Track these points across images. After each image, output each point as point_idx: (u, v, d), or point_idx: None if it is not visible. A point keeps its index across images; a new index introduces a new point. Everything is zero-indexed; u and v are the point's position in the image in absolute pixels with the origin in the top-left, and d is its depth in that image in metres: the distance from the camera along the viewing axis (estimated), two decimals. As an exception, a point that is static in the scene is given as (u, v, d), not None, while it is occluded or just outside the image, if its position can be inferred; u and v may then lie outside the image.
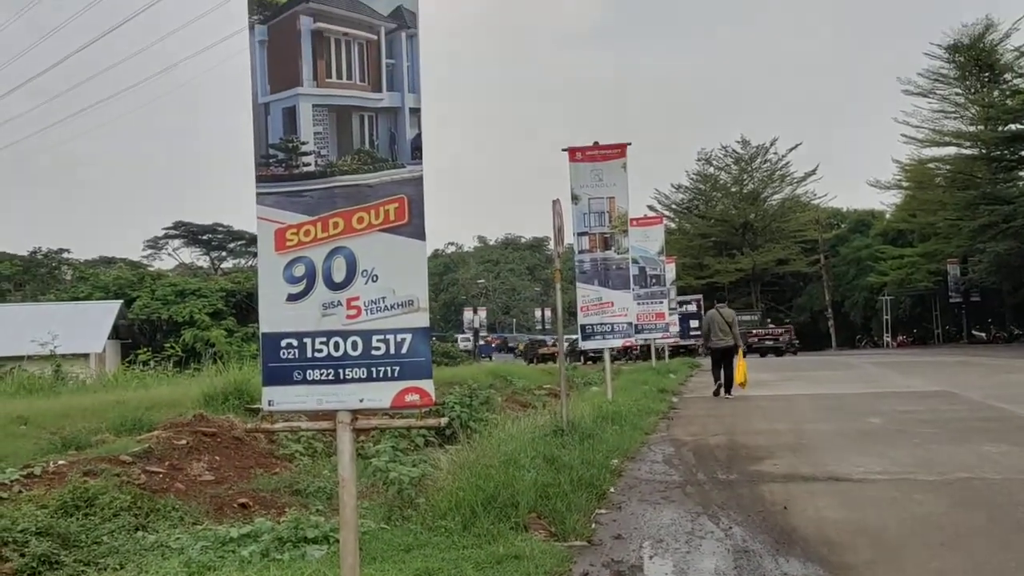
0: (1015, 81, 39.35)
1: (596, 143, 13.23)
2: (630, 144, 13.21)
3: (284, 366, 4.08)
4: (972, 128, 40.90)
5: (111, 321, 39.69)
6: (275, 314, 4.12)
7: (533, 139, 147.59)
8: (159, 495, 6.63)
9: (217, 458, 7.86)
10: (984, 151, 39.75)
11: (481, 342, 59.77)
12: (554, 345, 47.32)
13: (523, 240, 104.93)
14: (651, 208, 56.67)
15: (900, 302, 50.97)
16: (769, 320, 49.10)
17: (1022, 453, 7.88)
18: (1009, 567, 4.55)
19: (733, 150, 57.56)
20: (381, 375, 4.03)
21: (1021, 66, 38.80)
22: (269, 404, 4.11)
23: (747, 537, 5.47)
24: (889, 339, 49.81)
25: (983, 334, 40.47)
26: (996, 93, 40.72)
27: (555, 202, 9.76)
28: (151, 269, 58.02)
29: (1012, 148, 38.38)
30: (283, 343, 4.09)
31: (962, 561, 4.73)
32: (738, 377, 15.47)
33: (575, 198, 13.01)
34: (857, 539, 5.28)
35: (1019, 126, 37.32)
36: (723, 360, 15.69)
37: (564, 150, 13.19)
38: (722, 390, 15.55)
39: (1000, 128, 38.58)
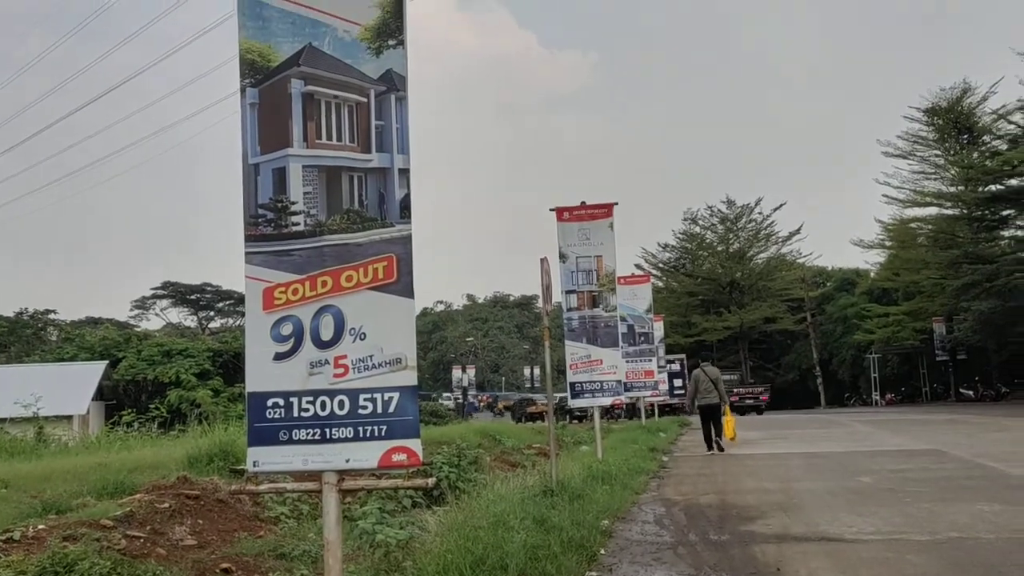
0: (994, 143, 40.17)
1: (583, 203, 13.39)
2: (617, 204, 13.38)
3: (270, 426, 4.05)
4: (952, 189, 41.58)
5: (95, 382, 39.29)
6: (262, 373, 4.11)
7: (522, 198, 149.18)
8: (140, 560, 6.47)
9: (200, 521, 7.71)
10: (965, 211, 40.34)
11: (470, 399, 59.11)
12: (544, 403, 47.15)
13: (512, 298, 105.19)
14: (638, 267, 57.08)
15: (887, 360, 51.09)
16: (751, 379, 49.12)
17: (1014, 512, 7.83)
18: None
19: (718, 209, 58.31)
20: (368, 434, 4.01)
21: (999, 128, 39.66)
22: (254, 465, 4.07)
23: (740, 599, 5.37)
24: (877, 397, 49.80)
25: (971, 392, 40.47)
26: (975, 155, 41.53)
27: (543, 260, 9.83)
28: (138, 329, 57.73)
29: (992, 208, 38.97)
30: (269, 403, 4.06)
31: (957, 622, 4.66)
32: (727, 432, 16.00)
33: (563, 257, 13.10)
34: (851, 601, 5.20)
35: (999, 187, 37.96)
36: (711, 417, 16.09)
37: (552, 210, 13.33)
38: (715, 446, 15.72)
39: (980, 189, 39.23)
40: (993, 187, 38.56)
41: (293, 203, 4.20)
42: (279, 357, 4.10)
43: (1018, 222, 37.18)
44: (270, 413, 4.06)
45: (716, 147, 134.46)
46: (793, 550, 6.78)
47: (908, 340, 46.10)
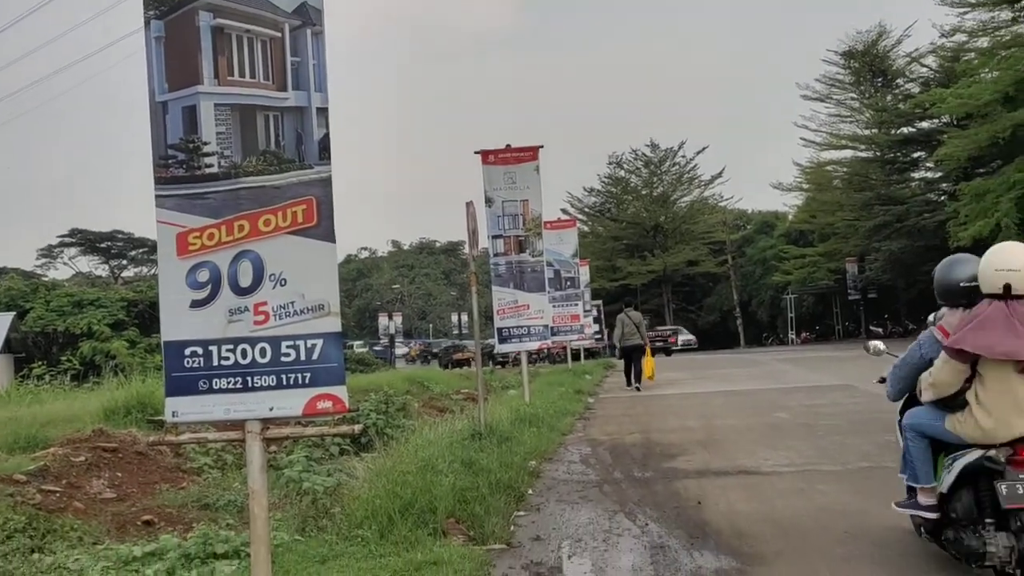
0: (907, 86, 41.35)
1: (508, 146, 13.27)
2: (542, 147, 13.31)
3: (189, 375, 3.93)
4: (867, 131, 42.73)
5: (2, 335, 37.69)
6: (178, 321, 3.96)
7: (446, 142, 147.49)
8: (56, 515, 6.29)
9: (119, 474, 7.52)
10: (878, 154, 41.61)
11: (380, 348, 57.70)
12: (470, 350, 47.36)
13: (438, 244, 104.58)
14: (564, 211, 57.15)
15: (803, 300, 52.89)
16: (674, 324, 50.32)
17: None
18: (911, 550, 4.73)
19: (643, 153, 58.75)
20: (292, 382, 3.92)
21: (912, 71, 40.79)
22: (173, 415, 3.95)
23: (663, 533, 5.55)
24: (793, 336, 51.65)
25: (880, 330, 42.29)
26: (889, 98, 42.70)
27: (468, 205, 9.74)
28: (45, 279, 55.22)
29: (904, 151, 40.35)
30: (187, 351, 3.93)
31: (866, 547, 4.90)
32: (646, 372, 17.47)
33: (489, 201, 13.01)
34: (767, 529, 5.42)
35: (910, 129, 39.25)
36: (633, 357, 17.33)
37: (477, 153, 13.18)
38: (634, 384, 17.00)
39: (893, 131, 40.45)
40: (905, 130, 39.86)
41: (205, 144, 4.01)
42: (196, 304, 3.96)
43: (927, 164, 38.58)
44: (188, 362, 3.93)
45: (640, 91, 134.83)
46: (713, 484, 7.02)
47: (823, 280, 47.76)
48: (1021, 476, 3.88)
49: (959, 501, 4.11)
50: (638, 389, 16.72)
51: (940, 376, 4.15)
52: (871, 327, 44.27)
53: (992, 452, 3.98)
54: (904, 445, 4.59)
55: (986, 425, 4.00)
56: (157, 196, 3.99)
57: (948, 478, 4.14)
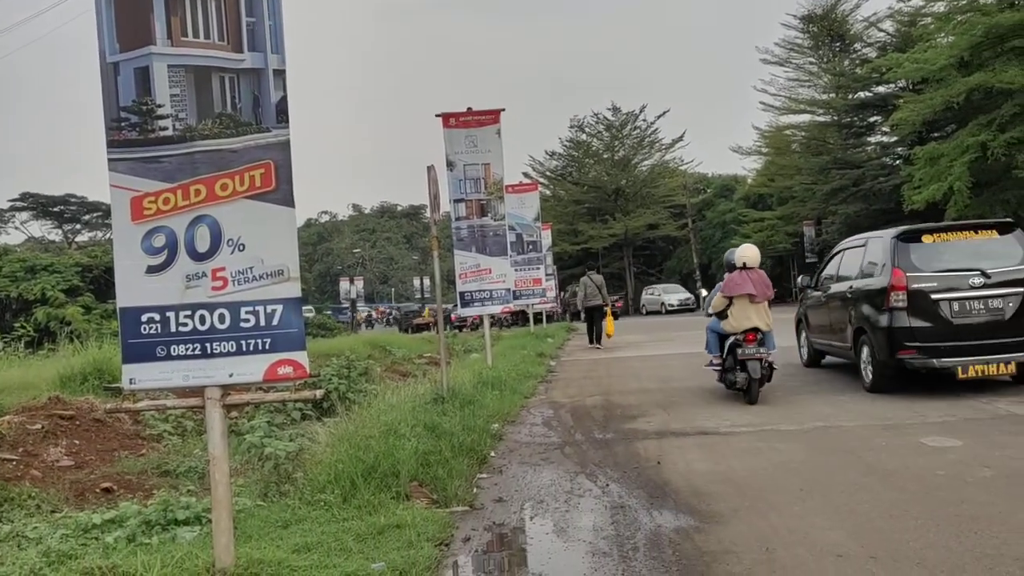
0: (864, 50, 41.63)
1: (470, 109, 13.16)
2: (504, 110, 13.21)
3: (146, 342, 3.88)
4: (824, 96, 43.03)
5: (-47, 301, 36.76)
6: (134, 287, 3.90)
7: (408, 105, 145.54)
8: (13, 483, 6.22)
9: (77, 442, 7.43)
10: (835, 118, 41.94)
11: (342, 314, 57.14)
12: (429, 314, 47.17)
13: (399, 208, 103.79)
14: (526, 175, 56.97)
15: (762, 263, 53.61)
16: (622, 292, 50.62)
17: (872, 401, 8.48)
18: (862, 508, 4.88)
19: (604, 117, 58.57)
20: (251, 348, 3.90)
21: (870, 36, 41.05)
22: (130, 383, 3.91)
23: (623, 493, 5.65)
24: (752, 298, 52.33)
25: (835, 291, 42.93)
26: (846, 62, 42.97)
27: (430, 169, 9.65)
28: (-4, 244, 53.83)
29: (861, 115, 40.72)
30: (144, 317, 3.88)
31: (820, 503, 5.04)
32: (608, 330, 19.31)
33: (450, 165, 12.92)
34: (725, 488, 5.54)
35: (867, 94, 39.59)
36: (595, 316, 19.02)
37: (438, 116, 13.05)
38: (596, 341, 18.67)
39: (850, 96, 40.79)
40: (862, 94, 40.18)
41: (159, 106, 3.91)
42: (152, 270, 3.90)
43: (883, 129, 39.03)
44: (145, 328, 3.88)
45: (603, 55, 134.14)
46: (672, 444, 7.15)
47: (781, 244, 48.28)
48: (748, 347, 8.84)
49: (728, 359, 9.16)
50: (599, 347, 18.16)
51: (716, 304, 9.38)
52: (828, 290, 44.92)
53: (738, 337, 8.94)
54: (707, 337, 9.70)
55: (735, 325, 9.01)
56: (110, 159, 3.90)
57: (724, 351, 9.26)
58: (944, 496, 4.97)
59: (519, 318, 32.98)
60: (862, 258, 9.69)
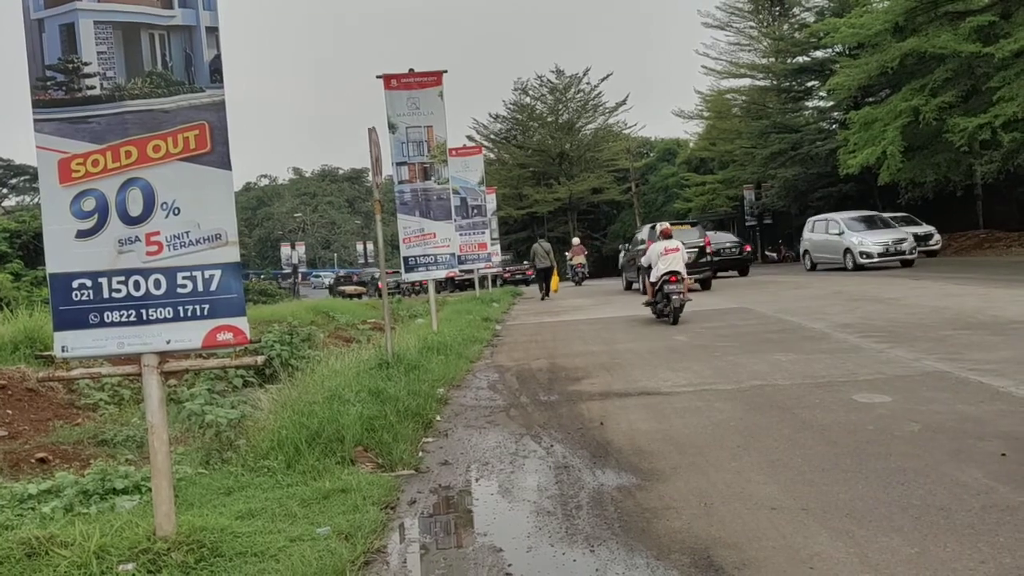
0: (803, 15, 42.14)
1: (412, 70, 12.97)
2: (446, 72, 13.05)
3: (78, 308, 3.77)
4: (764, 60, 43.52)
5: None
6: (64, 253, 3.78)
7: (348, 65, 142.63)
8: (-59, 457, 6.03)
9: (9, 412, 7.23)
10: (775, 82, 42.53)
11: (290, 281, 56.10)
12: (361, 281, 46.49)
13: (341, 172, 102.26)
14: (470, 138, 56.69)
15: (704, 226, 54.40)
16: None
17: (807, 360, 8.72)
18: (795, 462, 5.04)
19: (548, 80, 58.37)
20: (189, 314, 3.82)
21: (808, 1, 41.53)
22: (63, 351, 3.80)
23: (567, 453, 5.73)
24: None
25: (774, 254, 43.83)
26: (786, 27, 43.47)
27: (371, 131, 9.51)
28: (-83, 209, 51.54)
29: (799, 80, 41.35)
30: (75, 284, 3.77)
31: (757, 459, 5.19)
32: (553, 286, 25.55)
33: (392, 127, 12.75)
34: (665, 447, 5.67)
35: (805, 59, 40.18)
36: (545, 276, 25.18)
37: (379, 77, 12.84)
38: (546, 296, 24.54)
39: (789, 61, 41.36)
40: (800, 59, 40.77)
41: (86, 64, 3.77)
42: (82, 235, 3.78)
43: (820, 93, 39.66)
44: (77, 295, 3.77)
45: (548, 16, 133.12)
46: (615, 405, 7.27)
47: (722, 207, 49.03)
48: (671, 284, 13.00)
49: (657, 294, 13.52)
50: (545, 299, 24.26)
51: (650, 258, 14.05)
52: (766, 252, 45.92)
53: (664, 277, 13.13)
54: (642, 280, 16.23)
55: (663, 269, 13.22)
56: (35, 120, 3.75)
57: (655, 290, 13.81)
58: (873, 450, 5.16)
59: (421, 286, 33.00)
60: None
